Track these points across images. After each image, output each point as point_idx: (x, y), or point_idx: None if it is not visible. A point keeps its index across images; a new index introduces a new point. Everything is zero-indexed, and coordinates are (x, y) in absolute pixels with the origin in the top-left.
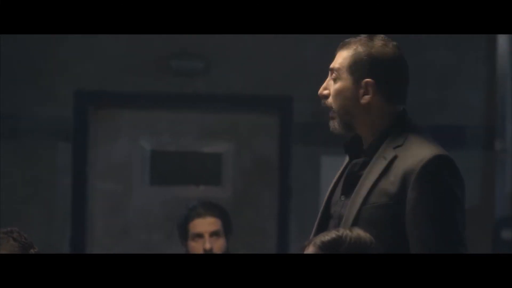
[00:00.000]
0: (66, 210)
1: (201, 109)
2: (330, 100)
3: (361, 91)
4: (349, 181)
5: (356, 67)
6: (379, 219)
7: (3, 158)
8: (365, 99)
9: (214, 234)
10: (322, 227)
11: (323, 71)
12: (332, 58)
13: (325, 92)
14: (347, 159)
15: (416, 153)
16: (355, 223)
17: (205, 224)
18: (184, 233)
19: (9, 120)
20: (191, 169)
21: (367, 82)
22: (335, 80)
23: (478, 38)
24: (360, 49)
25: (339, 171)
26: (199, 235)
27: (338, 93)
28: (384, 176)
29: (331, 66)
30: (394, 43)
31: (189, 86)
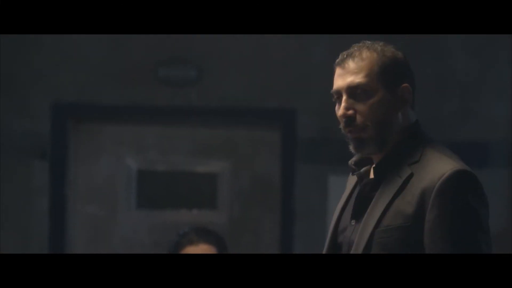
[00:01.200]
0: (43, 237)
1: (194, 123)
2: (360, 120)
3: (399, 100)
4: (360, 204)
5: (388, 74)
6: (395, 243)
7: None
8: (404, 108)
9: None
10: None
11: (331, 80)
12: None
13: (350, 112)
14: (352, 179)
15: (435, 169)
16: (367, 248)
17: (198, 252)
18: None
19: None
20: (182, 191)
21: (405, 87)
22: (364, 95)
23: (504, 43)
24: (383, 53)
25: (346, 194)
26: None
27: (376, 107)
28: (399, 195)
29: (350, 83)
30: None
31: (179, 97)
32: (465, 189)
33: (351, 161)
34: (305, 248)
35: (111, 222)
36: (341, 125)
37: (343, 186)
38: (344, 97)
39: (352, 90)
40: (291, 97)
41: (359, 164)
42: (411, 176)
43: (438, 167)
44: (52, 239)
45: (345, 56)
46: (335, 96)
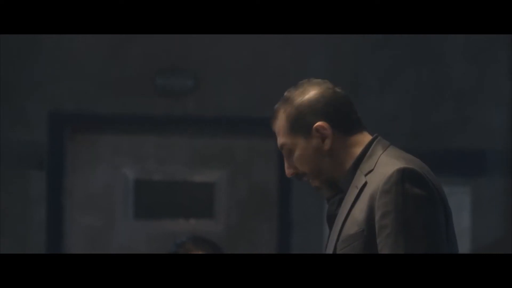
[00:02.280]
0: (40, 247)
1: (191, 132)
2: (301, 173)
3: (319, 140)
4: (330, 223)
5: (298, 124)
6: (354, 250)
7: None
8: (326, 144)
9: None
10: None
11: None
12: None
13: (291, 170)
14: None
15: (382, 172)
16: None
17: None
18: None
19: None
20: (179, 200)
21: (317, 126)
22: (290, 152)
23: (501, 49)
24: (286, 110)
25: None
26: None
27: (301, 159)
28: (355, 205)
29: (278, 145)
30: (313, 82)
31: (177, 106)
32: (405, 184)
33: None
34: None
35: (109, 232)
36: None
37: None
38: (284, 157)
39: (282, 150)
40: None
41: (331, 192)
42: (365, 184)
43: (385, 170)
44: (49, 249)
45: (272, 115)
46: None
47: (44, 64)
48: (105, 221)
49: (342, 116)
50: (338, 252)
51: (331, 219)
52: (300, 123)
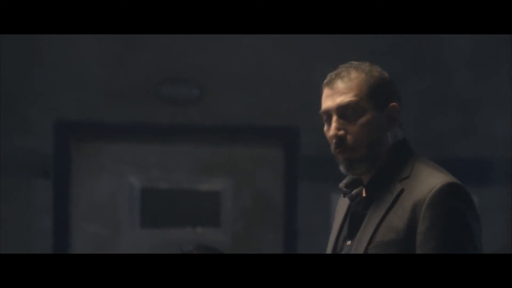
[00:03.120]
0: None
1: (196, 141)
2: (351, 140)
3: (388, 119)
4: (354, 223)
5: (377, 94)
6: None
7: None
8: (393, 126)
9: None
10: None
11: None
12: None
13: (341, 132)
14: (343, 202)
15: (425, 182)
16: None
17: None
18: None
19: None
20: (185, 209)
21: (393, 106)
22: (355, 114)
23: (505, 58)
24: (371, 73)
25: (340, 217)
26: None
27: (366, 127)
28: (391, 211)
29: (340, 103)
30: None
31: (182, 115)
32: (455, 201)
33: (342, 184)
34: None
35: (114, 240)
36: (331, 146)
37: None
38: (334, 118)
39: (342, 110)
40: (293, 115)
41: (349, 186)
42: (402, 191)
43: (428, 180)
44: None
45: (333, 76)
46: (324, 117)
47: (49, 73)
48: (111, 230)
49: (401, 106)
50: None
51: (357, 219)
52: (380, 94)
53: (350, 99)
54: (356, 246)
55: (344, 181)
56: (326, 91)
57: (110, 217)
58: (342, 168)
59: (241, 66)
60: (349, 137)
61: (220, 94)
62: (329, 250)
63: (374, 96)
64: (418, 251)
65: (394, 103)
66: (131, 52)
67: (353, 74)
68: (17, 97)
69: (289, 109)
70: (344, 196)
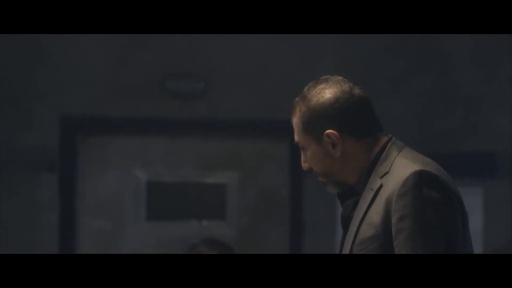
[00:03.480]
0: (51, 250)
1: (201, 135)
2: (313, 169)
3: (329, 146)
4: (345, 225)
5: (310, 126)
6: (371, 253)
7: None
8: (337, 151)
9: None
10: None
11: None
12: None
13: (306, 164)
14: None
15: (398, 175)
16: None
17: None
18: None
19: None
20: (191, 202)
21: (327, 134)
22: (303, 150)
23: (508, 55)
24: (302, 109)
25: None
26: None
27: (313, 160)
28: (370, 208)
29: (295, 141)
30: (332, 81)
31: (187, 109)
32: (423, 188)
33: (337, 194)
34: None
35: (120, 235)
36: None
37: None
38: (301, 151)
39: (299, 145)
40: None
41: (345, 194)
42: (380, 187)
43: (401, 172)
44: (60, 252)
45: (291, 110)
46: None
47: (54, 68)
48: (117, 224)
49: (355, 122)
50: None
51: (346, 221)
52: (312, 126)
53: (296, 139)
54: (345, 246)
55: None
56: None
57: (115, 211)
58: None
59: (246, 60)
60: (312, 167)
61: (225, 89)
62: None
63: (308, 129)
64: (394, 242)
65: (327, 131)
66: (136, 47)
67: (296, 110)
68: (22, 93)
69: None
70: (341, 203)
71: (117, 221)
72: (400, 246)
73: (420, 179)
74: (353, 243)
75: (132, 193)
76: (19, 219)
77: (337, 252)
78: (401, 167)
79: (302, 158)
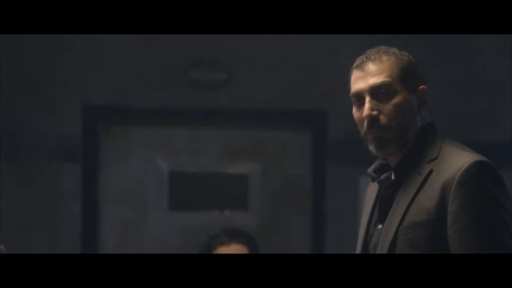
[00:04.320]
0: (74, 240)
1: (224, 125)
2: (384, 120)
3: (418, 101)
4: (384, 207)
5: (408, 76)
6: (419, 238)
7: (1, 182)
8: (423, 108)
9: None
10: None
11: None
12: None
13: (375, 113)
14: (372, 188)
15: (454, 162)
16: (393, 246)
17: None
18: None
19: (8, 139)
20: (213, 192)
21: (422, 89)
22: (387, 95)
23: None
24: (401, 57)
25: (370, 202)
26: None
27: (399, 107)
28: (420, 192)
29: (373, 84)
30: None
31: (209, 99)
32: (485, 179)
33: (370, 169)
34: (336, 249)
35: (142, 224)
36: (363, 127)
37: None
38: (367, 98)
39: (375, 91)
40: (321, 98)
41: (377, 171)
42: (431, 172)
43: (457, 160)
44: (83, 242)
45: (363, 59)
46: (355, 99)
47: (76, 57)
48: (139, 214)
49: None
50: (400, 238)
51: (387, 203)
52: (411, 76)
53: (383, 79)
54: (387, 228)
55: (373, 167)
56: (356, 74)
57: (137, 200)
58: (372, 148)
59: (269, 49)
60: (382, 117)
61: (248, 78)
62: (360, 236)
63: (405, 78)
64: (450, 230)
65: (423, 86)
66: (159, 35)
67: (384, 57)
68: (45, 82)
69: (317, 92)
70: (373, 181)
71: (139, 210)
72: (457, 234)
73: (481, 169)
74: (399, 225)
75: (154, 182)
76: (41, 209)
77: (362, 234)
78: (454, 155)
79: (369, 106)
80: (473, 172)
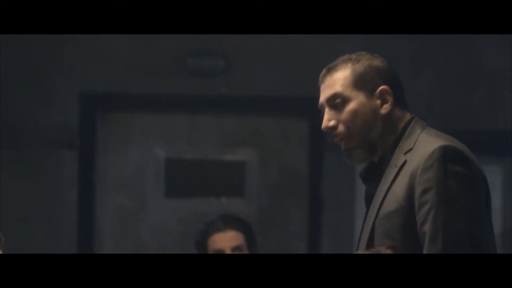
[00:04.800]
0: (71, 227)
1: (222, 112)
2: (342, 128)
3: (378, 101)
4: (369, 203)
5: (363, 80)
6: (393, 228)
7: (0, 170)
8: (385, 108)
9: (236, 249)
10: None
11: None
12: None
13: (332, 123)
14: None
15: (422, 150)
16: (371, 238)
17: (226, 239)
18: (203, 250)
19: (7, 128)
20: (211, 180)
21: (382, 89)
22: (342, 104)
23: None
24: (356, 64)
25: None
26: (220, 251)
27: (355, 113)
28: (394, 183)
29: (328, 96)
30: (377, 56)
31: (208, 87)
32: (448, 163)
33: (360, 172)
34: (333, 238)
35: (140, 211)
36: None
37: None
38: (326, 110)
39: (331, 101)
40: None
41: (367, 171)
42: (405, 163)
43: (426, 148)
44: (81, 229)
45: (323, 72)
46: (321, 112)
47: (74, 45)
48: (137, 201)
49: (400, 89)
50: (376, 229)
51: (370, 199)
52: (367, 80)
53: (335, 90)
54: (367, 222)
55: (363, 169)
56: (320, 87)
57: (135, 188)
58: (346, 160)
59: (268, 37)
60: (340, 126)
61: (247, 66)
62: (359, 235)
63: (359, 82)
64: (417, 217)
65: (383, 87)
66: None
67: (340, 66)
68: (43, 70)
69: (315, 80)
70: (363, 182)
71: (137, 198)
72: (423, 219)
73: (445, 154)
74: (376, 217)
75: (152, 170)
76: (39, 197)
77: (359, 231)
78: (426, 143)
79: (327, 117)
80: (436, 157)
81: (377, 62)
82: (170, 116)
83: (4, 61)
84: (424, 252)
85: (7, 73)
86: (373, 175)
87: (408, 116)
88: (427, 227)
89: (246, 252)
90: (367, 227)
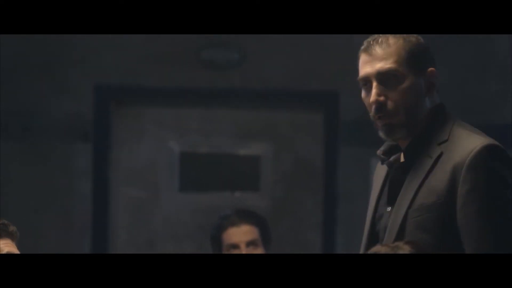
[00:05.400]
0: (85, 220)
1: (236, 105)
2: (391, 106)
3: (426, 84)
4: (394, 189)
5: (416, 59)
6: (428, 221)
7: (13, 161)
8: (431, 91)
9: (251, 243)
10: (371, 247)
11: None
12: None
13: (382, 98)
14: (380, 169)
15: (464, 145)
16: (402, 229)
17: (240, 234)
18: (217, 245)
19: (20, 118)
20: (225, 173)
21: (431, 72)
22: (395, 81)
23: None
24: (409, 39)
25: (378, 184)
26: (234, 246)
27: (406, 93)
28: (430, 174)
29: (380, 69)
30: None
31: (222, 80)
32: (495, 163)
33: (380, 151)
34: (347, 230)
35: (154, 204)
36: (371, 112)
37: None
38: (374, 84)
39: (382, 76)
40: (333, 80)
41: (387, 153)
42: (441, 154)
43: (468, 143)
44: (94, 221)
45: (371, 42)
46: (362, 83)
47: (89, 37)
48: (150, 194)
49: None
50: (409, 220)
51: (397, 184)
52: (419, 60)
53: (390, 65)
54: (396, 211)
55: (382, 148)
56: (364, 57)
57: (149, 181)
58: (381, 134)
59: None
60: (389, 103)
61: (261, 59)
62: (368, 218)
63: (413, 61)
64: (459, 214)
65: (432, 68)
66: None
67: (391, 40)
68: (58, 62)
69: (329, 73)
70: (383, 163)
71: (150, 190)
72: (467, 219)
73: (491, 153)
74: (408, 207)
75: (166, 163)
76: (53, 188)
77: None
78: (464, 137)
79: (376, 91)
80: (484, 156)
81: (423, 41)
82: (184, 109)
83: (17, 51)
84: (467, 251)
85: (20, 63)
86: (392, 156)
87: (438, 101)
88: (475, 227)
89: (260, 246)
90: (396, 216)
